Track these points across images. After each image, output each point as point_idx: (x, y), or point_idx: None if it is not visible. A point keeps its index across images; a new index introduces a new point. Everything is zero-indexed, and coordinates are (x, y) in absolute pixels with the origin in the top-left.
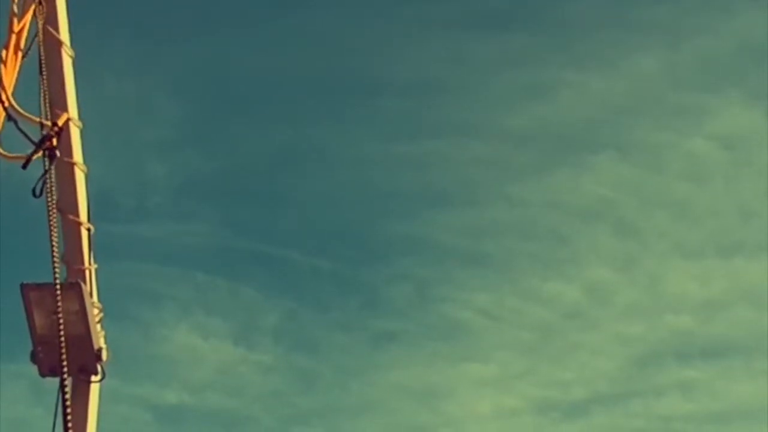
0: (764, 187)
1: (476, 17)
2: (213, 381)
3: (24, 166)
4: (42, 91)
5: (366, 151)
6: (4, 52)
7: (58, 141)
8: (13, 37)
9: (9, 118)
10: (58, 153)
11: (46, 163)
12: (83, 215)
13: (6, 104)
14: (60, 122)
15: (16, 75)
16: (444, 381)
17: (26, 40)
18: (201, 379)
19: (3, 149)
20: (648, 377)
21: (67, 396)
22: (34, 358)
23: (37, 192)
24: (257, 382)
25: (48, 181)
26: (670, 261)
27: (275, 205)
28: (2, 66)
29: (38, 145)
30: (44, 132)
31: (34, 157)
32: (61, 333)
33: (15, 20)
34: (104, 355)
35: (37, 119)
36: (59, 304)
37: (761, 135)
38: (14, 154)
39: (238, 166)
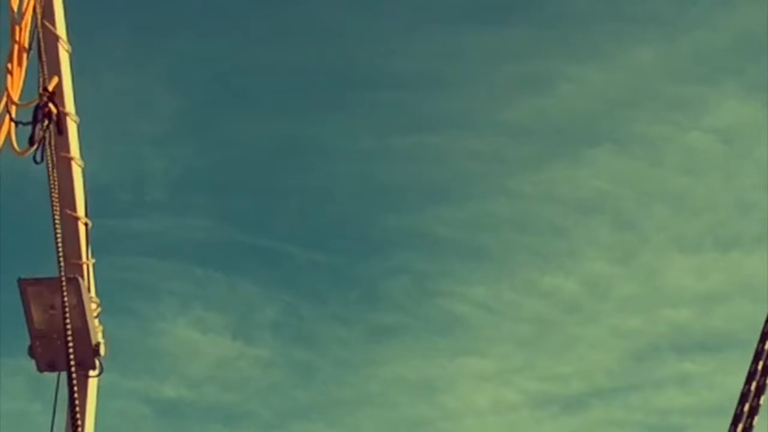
0: (762, 180)
1: (474, 10)
2: (211, 375)
3: (31, 141)
4: (40, 81)
5: (364, 145)
6: (9, 65)
7: (54, 104)
8: (16, 47)
9: (17, 125)
10: (54, 110)
11: (44, 126)
12: (80, 210)
13: (14, 112)
14: (50, 87)
15: (23, 79)
16: (442, 375)
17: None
18: (199, 373)
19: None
20: (646, 371)
21: (75, 388)
22: (31, 352)
23: (38, 159)
24: (256, 376)
25: (48, 145)
26: (668, 254)
27: (274, 199)
28: (8, 76)
29: (36, 117)
30: (37, 102)
31: (38, 133)
32: (68, 325)
33: (17, 28)
34: (102, 349)
35: (36, 101)
36: (64, 291)
37: (759, 128)
38: (24, 149)
39: (236, 160)
